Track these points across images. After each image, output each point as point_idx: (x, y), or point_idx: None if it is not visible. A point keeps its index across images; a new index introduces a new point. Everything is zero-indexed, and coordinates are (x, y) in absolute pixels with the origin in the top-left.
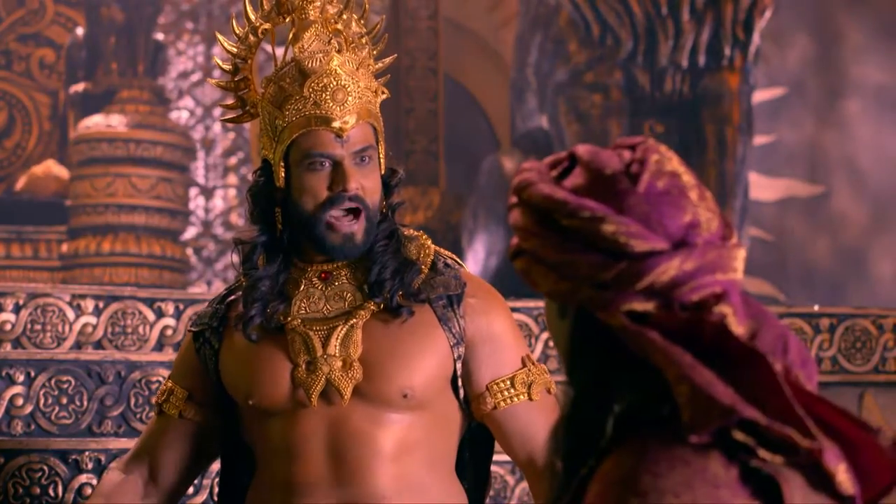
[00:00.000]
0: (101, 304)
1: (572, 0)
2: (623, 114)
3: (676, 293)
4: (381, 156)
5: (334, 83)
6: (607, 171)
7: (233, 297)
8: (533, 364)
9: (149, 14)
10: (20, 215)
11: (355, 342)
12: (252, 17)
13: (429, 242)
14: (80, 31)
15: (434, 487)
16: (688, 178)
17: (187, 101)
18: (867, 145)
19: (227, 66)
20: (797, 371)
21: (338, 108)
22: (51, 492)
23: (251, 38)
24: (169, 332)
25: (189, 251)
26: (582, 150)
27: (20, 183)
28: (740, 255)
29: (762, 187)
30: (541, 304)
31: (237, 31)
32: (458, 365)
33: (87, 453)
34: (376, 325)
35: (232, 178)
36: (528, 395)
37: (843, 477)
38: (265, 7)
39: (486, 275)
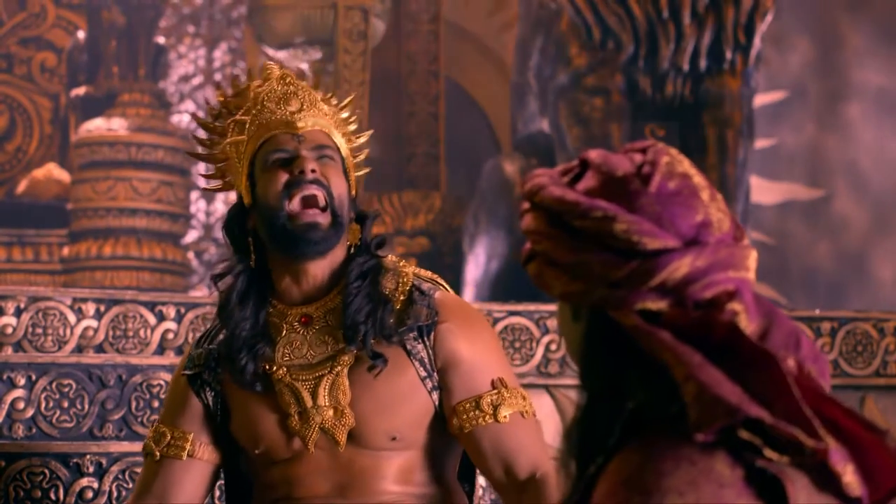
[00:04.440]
0: (102, 308)
1: (573, 3)
2: (624, 117)
3: (689, 291)
4: (349, 176)
5: (289, 90)
6: (619, 172)
7: (222, 337)
8: (505, 388)
9: (150, 18)
10: (21, 219)
11: (343, 390)
12: (222, 100)
13: (406, 270)
14: (81, 34)
15: (437, 496)
16: (699, 179)
17: (188, 105)
18: (868, 149)
19: (205, 140)
20: (810, 365)
21: (292, 113)
22: (52, 495)
23: (224, 118)
24: (170, 335)
25: (190, 254)
26: (593, 154)
27: (21, 186)
28: (752, 255)
29: (763, 191)
30: (542, 307)
31: (211, 112)
32: (435, 396)
33: (88, 457)
34: (359, 370)
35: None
36: (495, 417)
37: (850, 478)
38: (232, 90)
39: (488, 278)
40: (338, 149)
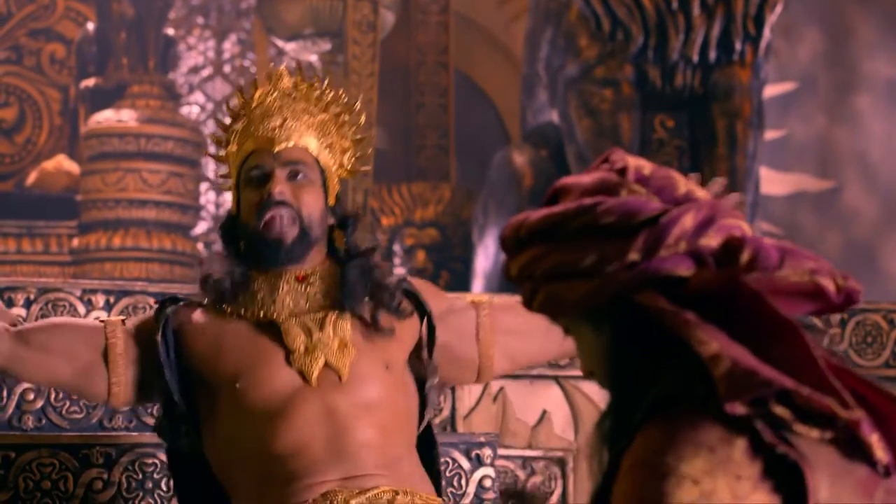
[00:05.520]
0: (111, 299)
1: None
2: (634, 109)
3: (703, 242)
4: (327, 188)
5: (268, 110)
6: (592, 179)
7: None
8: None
9: (159, 9)
10: (31, 210)
11: (346, 326)
12: (239, 101)
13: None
14: (90, 25)
15: (407, 462)
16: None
17: (198, 97)
18: (878, 140)
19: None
20: (841, 279)
21: (272, 130)
22: (61, 486)
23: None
24: None
25: (200, 246)
26: (562, 180)
27: (31, 178)
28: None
29: (773, 182)
30: None
31: (230, 113)
32: (424, 327)
33: (97, 448)
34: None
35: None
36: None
37: (878, 446)
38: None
39: (497, 269)
40: (317, 162)
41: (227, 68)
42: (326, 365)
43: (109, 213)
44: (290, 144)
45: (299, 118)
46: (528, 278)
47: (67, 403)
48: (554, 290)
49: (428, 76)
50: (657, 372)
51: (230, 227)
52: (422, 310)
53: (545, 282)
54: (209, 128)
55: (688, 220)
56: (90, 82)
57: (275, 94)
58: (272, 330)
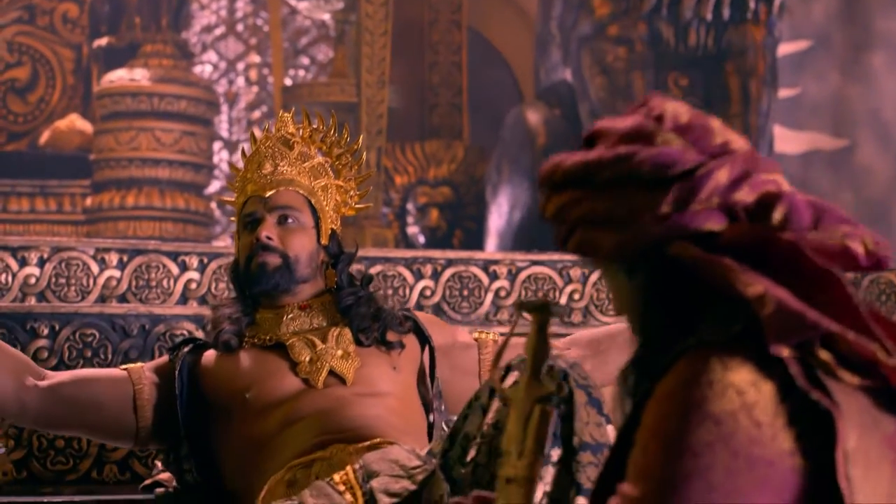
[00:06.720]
0: (125, 258)
1: None
2: (647, 67)
3: (735, 198)
4: (320, 229)
5: (262, 158)
6: (629, 124)
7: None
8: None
9: None
10: (44, 169)
11: (349, 340)
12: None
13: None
14: None
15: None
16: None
17: (210, 56)
18: (892, 98)
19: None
20: (873, 242)
21: (264, 177)
22: (74, 444)
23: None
24: (193, 285)
25: (213, 205)
26: (598, 124)
27: (44, 137)
28: (779, 167)
29: (786, 140)
30: (565, 256)
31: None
32: (425, 356)
33: None
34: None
35: (255, 132)
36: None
37: None
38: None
39: (511, 228)
40: (309, 203)
41: (239, 27)
42: (332, 373)
43: (123, 173)
44: (281, 189)
45: (292, 163)
46: (563, 221)
47: (81, 362)
48: (587, 236)
49: (441, 34)
50: (687, 324)
51: (236, 269)
52: (422, 336)
53: (579, 226)
54: (222, 86)
55: (722, 175)
56: (103, 41)
57: (270, 142)
58: (279, 349)
